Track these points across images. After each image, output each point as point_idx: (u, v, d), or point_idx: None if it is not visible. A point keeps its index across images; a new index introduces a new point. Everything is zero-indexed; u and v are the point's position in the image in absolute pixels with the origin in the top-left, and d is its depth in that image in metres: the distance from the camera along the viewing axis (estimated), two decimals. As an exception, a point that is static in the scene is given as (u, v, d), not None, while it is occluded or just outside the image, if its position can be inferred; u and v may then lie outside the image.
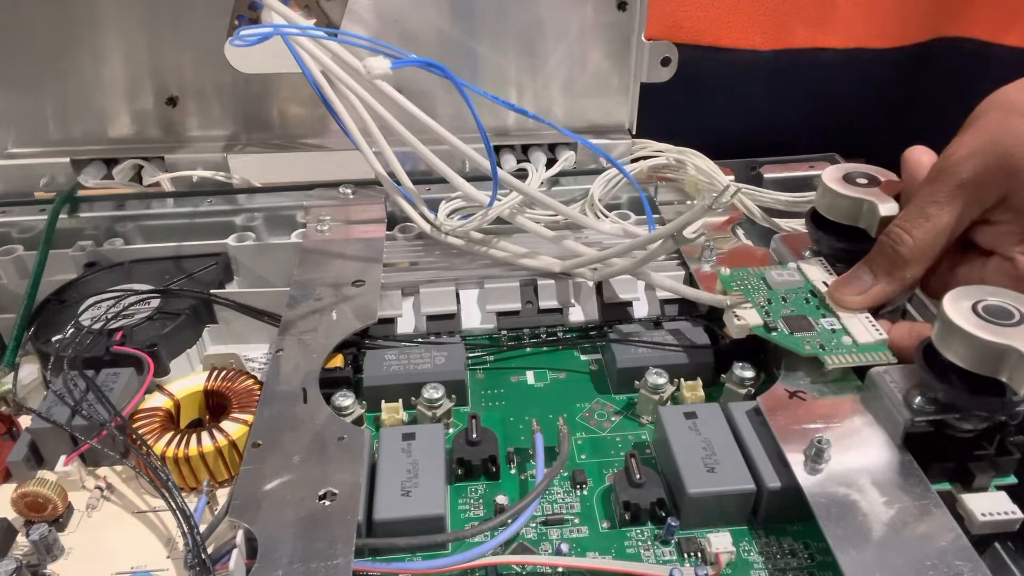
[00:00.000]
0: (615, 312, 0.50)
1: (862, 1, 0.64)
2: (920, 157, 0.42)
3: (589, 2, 0.59)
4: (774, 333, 0.42)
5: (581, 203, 0.56)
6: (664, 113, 0.62)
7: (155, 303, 0.48)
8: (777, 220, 0.55)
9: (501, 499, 0.37)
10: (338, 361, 0.44)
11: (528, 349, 0.49)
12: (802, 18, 0.64)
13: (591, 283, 0.50)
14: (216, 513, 0.36)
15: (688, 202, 0.59)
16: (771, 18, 0.64)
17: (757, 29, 0.65)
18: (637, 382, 0.43)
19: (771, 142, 0.62)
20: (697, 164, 0.56)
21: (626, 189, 0.59)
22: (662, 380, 0.43)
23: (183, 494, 0.36)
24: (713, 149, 0.58)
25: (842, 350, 0.40)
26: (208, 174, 0.62)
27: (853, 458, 0.35)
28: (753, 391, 0.42)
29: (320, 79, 0.48)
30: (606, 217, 0.55)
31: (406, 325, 0.49)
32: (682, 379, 0.44)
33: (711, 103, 0.68)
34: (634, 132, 0.64)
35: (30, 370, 0.46)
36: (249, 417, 0.40)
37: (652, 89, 0.62)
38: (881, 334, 0.41)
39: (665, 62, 0.60)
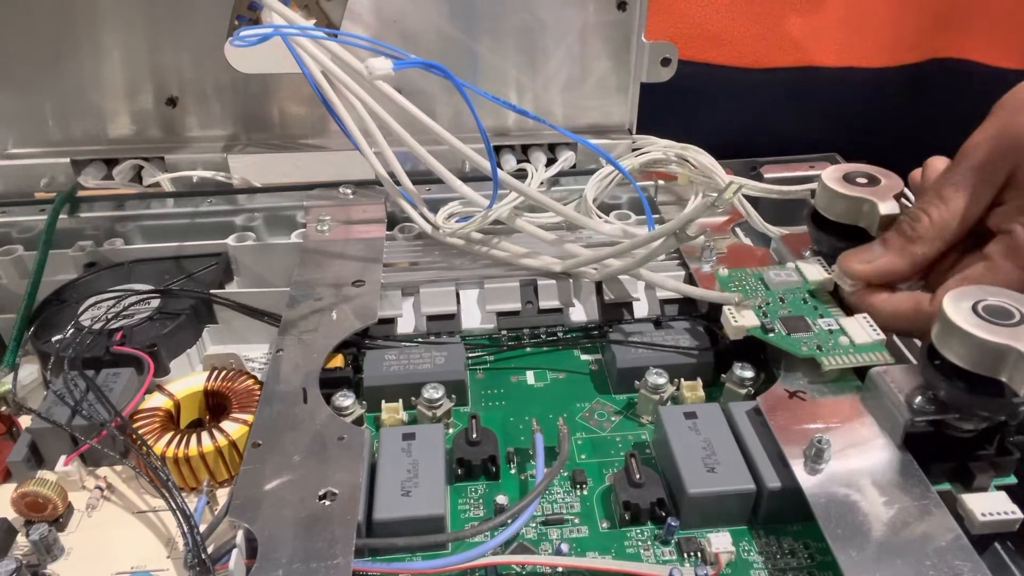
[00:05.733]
0: (615, 312, 0.50)
1: (855, 22, 0.65)
2: (939, 165, 0.44)
3: (589, 2, 0.59)
4: (771, 334, 0.42)
5: (576, 202, 0.56)
6: (663, 119, 0.62)
7: (155, 303, 0.48)
8: (775, 227, 0.55)
9: (501, 499, 0.37)
10: (338, 361, 0.44)
11: (528, 349, 0.49)
12: (795, 37, 0.66)
13: (591, 283, 0.50)
14: (216, 513, 0.36)
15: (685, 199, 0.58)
16: (764, 39, 0.66)
17: (750, 49, 0.66)
18: (637, 382, 0.43)
19: (771, 143, 0.62)
20: (700, 160, 0.56)
21: (626, 189, 0.59)
22: (662, 380, 0.43)
23: (183, 494, 0.36)
24: (713, 151, 0.58)
25: (839, 351, 0.40)
26: (208, 174, 0.62)
27: (853, 458, 0.35)
28: (753, 391, 0.42)
29: (320, 79, 0.48)
30: (600, 218, 0.55)
31: (406, 325, 0.49)
32: (682, 379, 0.44)
33: (709, 113, 0.68)
34: (634, 132, 0.64)
35: (30, 370, 0.46)
36: (249, 417, 0.40)
37: (648, 97, 0.62)
38: (878, 334, 0.41)
39: (665, 62, 0.60)
